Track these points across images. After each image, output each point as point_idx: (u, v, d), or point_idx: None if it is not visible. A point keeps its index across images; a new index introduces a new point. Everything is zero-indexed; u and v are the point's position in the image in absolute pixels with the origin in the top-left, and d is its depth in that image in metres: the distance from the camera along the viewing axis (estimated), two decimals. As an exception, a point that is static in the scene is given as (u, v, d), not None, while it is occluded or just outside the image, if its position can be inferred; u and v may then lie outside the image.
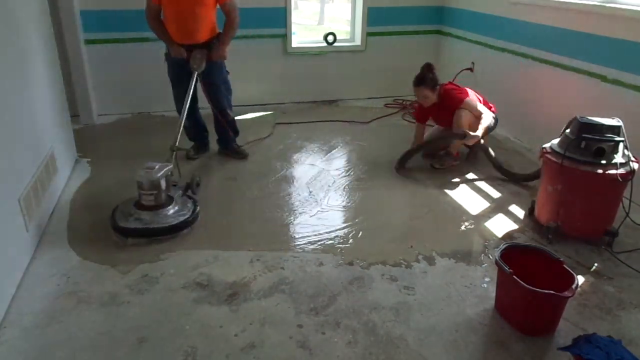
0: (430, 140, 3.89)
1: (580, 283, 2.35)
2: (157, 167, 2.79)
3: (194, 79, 3.41)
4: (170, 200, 2.87)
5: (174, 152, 3.16)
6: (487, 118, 3.63)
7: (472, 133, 3.54)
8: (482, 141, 3.58)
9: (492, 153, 3.62)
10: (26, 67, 2.80)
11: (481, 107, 3.65)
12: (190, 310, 2.21)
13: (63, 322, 2.12)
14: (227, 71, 3.66)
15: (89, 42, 4.45)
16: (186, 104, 3.40)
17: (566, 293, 1.99)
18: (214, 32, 3.51)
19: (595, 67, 3.45)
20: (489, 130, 3.81)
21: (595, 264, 2.58)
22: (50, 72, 3.27)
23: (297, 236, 2.84)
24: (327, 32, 5.21)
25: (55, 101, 3.33)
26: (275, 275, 2.46)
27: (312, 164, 3.76)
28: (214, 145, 3.98)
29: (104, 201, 3.18)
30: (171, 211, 2.82)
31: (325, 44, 5.21)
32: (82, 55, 4.38)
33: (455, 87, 3.77)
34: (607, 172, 2.55)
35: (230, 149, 3.88)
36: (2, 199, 2.26)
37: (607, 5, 3.35)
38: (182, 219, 2.80)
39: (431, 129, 4.04)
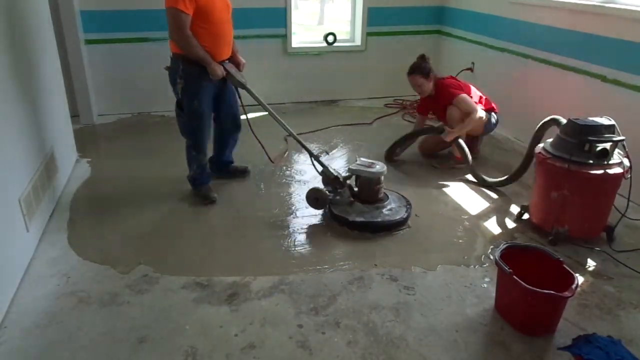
0: (413, 132, 3.87)
1: (580, 283, 2.35)
2: (370, 161, 3.04)
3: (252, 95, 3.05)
4: None
5: (316, 156, 3.09)
6: (474, 119, 3.53)
7: (449, 129, 3.53)
8: (461, 142, 3.52)
9: (469, 156, 3.52)
10: (26, 67, 2.80)
11: (473, 105, 3.57)
12: (190, 310, 2.21)
13: (63, 322, 2.13)
14: None
15: (89, 42, 4.45)
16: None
17: (566, 293, 1.99)
18: None
19: (595, 67, 3.45)
20: (486, 130, 3.79)
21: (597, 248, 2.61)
22: (50, 72, 3.27)
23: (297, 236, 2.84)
24: (327, 32, 5.21)
25: (55, 101, 3.33)
26: (275, 275, 2.46)
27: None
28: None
29: (104, 201, 3.19)
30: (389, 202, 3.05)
31: (325, 44, 5.22)
32: (82, 55, 4.38)
33: (453, 83, 3.73)
34: (614, 172, 2.57)
35: (232, 169, 3.53)
36: (2, 199, 2.26)
37: (607, 5, 3.35)
38: (404, 204, 3.05)
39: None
